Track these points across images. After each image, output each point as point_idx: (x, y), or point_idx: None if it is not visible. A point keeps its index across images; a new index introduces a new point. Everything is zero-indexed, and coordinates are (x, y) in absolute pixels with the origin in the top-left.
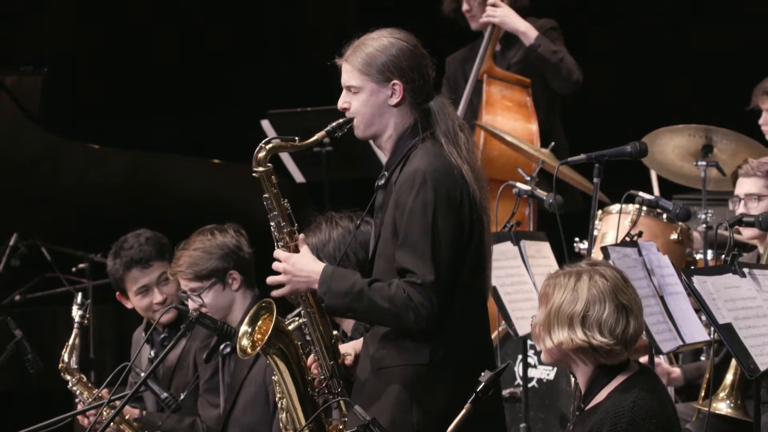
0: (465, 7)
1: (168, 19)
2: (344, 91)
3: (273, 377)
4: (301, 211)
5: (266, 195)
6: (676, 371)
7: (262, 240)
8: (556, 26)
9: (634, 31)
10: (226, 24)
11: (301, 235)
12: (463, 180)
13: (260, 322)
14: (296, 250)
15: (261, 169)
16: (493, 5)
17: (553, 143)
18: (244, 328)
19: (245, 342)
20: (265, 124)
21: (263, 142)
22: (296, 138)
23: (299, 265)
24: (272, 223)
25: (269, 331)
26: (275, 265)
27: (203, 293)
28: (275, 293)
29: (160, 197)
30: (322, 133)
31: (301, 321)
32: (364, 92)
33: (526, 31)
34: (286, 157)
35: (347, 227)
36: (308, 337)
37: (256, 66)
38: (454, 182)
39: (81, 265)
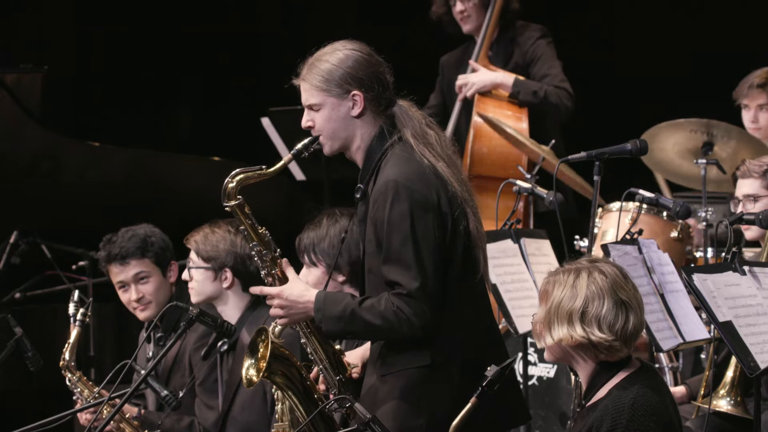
0: (459, 7)
1: (168, 17)
2: (306, 110)
3: (277, 402)
4: (301, 209)
5: (242, 227)
6: (681, 390)
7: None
8: (547, 33)
9: (634, 29)
10: (226, 22)
11: (284, 260)
12: (438, 179)
13: (261, 349)
14: (282, 276)
15: (232, 202)
16: (462, 81)
17: (553, 141)
18: (248, 361)
19: (252, 372)
20: (266, 121)
21: (230, 175)
22: (263, 166)
23: (292, 297)
24: (253, 253)
25: (266, 358)
26: (270, 302)
27: (193, 270)
28: (279, 323)
29: (160, 195)
30: (289, 156)
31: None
32: (325, 108)
33: (503, 81)
34: (286, 155)
35: (344, 226)
36: (311, 356)
37: (257, 63)
38: (428, 184)
39: (81, 263)
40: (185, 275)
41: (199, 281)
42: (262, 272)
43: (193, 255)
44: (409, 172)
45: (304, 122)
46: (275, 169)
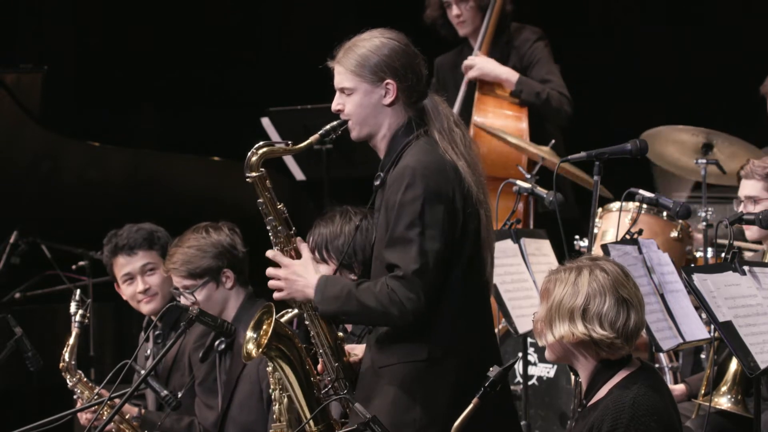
0: (455, 11)
1: (168, 16)
2: (338, 94)
3: (268, 369)
4: (300, 209)
5: (260, 200)
6: (681, 388)
7: (262, 238)
8: (543, 35)
9: (634, 29)
10: (226, 21)
11: (299, 238)
12: (456, 175)
13: (264, 326)
14: (297, 254)
15: (254, 174)
16: (471, 61)
17: (553, 141)
18: (249, 333)
19: (250, 346)
20: (266, 121)
21: (255, 147)
22: (289, 142)
23: (299, 272)
24: (269, 227)
25: (268, 334)
26: (276, 271)
27: (196, 291)
28: (275, 296)
29: (160, 195)
30: (316, 136)
31: (294, 314)
32: (357, 93)
33: (507, 77)
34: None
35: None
36: (313, 340)
37: (256, 63)
38: (445, 177)
39: (81, 263)
40: (185, 302)
41: (204, 299)
42: (276, 248)
43: (184, 281)
44: (429, 162)
45: (335, 105)
46: (301, 147)
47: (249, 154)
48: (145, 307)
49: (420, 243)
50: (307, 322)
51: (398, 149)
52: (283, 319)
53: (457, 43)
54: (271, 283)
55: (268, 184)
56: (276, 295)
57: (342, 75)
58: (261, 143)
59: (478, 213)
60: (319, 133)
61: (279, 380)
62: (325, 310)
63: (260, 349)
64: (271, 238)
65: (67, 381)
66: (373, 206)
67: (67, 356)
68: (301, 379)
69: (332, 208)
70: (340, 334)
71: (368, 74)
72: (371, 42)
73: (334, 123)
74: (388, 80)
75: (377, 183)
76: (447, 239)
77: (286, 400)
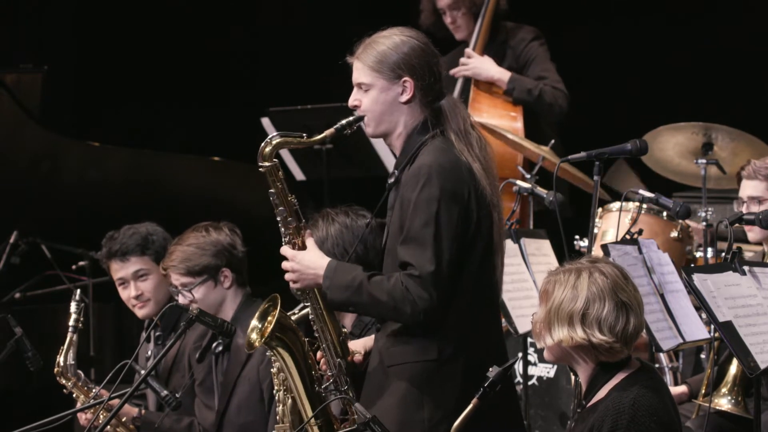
0: (448, 19)
1: (168, 16)
2: (355, 89)
3: (273, 371)
4: (300, 209)
5: (272, 190)
6: (683, 390)
7: (262, 238)
8: (539, 34)
9: (633, 28)
10: (226, 22)
11: (308, 231)
12: (471, 176)
13: (269, 317)
14: (303, 246)
15: (267, 164)
16: (467, 56)
17: (553, 141)
18: (254, 323)
19: (254, 336)
20: (266, 121)
21: (269, 137)
22: (304, 135)
23: (306, 261)
24: (279, 218)
25: (272, 325)
26: (284, 264)
27: (194, 289)
28: (292, 287)
29: (160, 195)
30: (332, 130)
31: (306, 312)
32: (374, 89)
33: (500, 77)
34: (286, 155)
35: (344, 222)
36: (316, 334)
37: (256, 63)
38: (461, 178)
39: (81, 263)
40: (182, 301)
41: (202, 297)
42: (284, 239)
43: (182, 278)
44: (445, 162)
45: (351, 100)
46: (316, 140)
47: (263, 144)
48: (139, 312)
49: (436, 244)
50: (311, 316)
51: (414, 148)
52: (294, 318)
53: (456, 44)
54: (286, 276)
55: (281, 174)
56: (292, 286)
57: (360, 70)
58: (275, 134)
59: (490, 215)
60: (334, 127)
61: (284, 381)
62: (333, 297)
63: (263, 338)
64: (281, 228)
65: (65, 386)
66: (385, 205)
67: (61, 361)
68: (302, 371)
69: (312, 214)
70: (344, 329)
71: (386, 71)
72: (391, 39)
73: (351, 118)
74: (406, 78)
75: (391, 181)
76: (460, 240)
77: (290, 401)
